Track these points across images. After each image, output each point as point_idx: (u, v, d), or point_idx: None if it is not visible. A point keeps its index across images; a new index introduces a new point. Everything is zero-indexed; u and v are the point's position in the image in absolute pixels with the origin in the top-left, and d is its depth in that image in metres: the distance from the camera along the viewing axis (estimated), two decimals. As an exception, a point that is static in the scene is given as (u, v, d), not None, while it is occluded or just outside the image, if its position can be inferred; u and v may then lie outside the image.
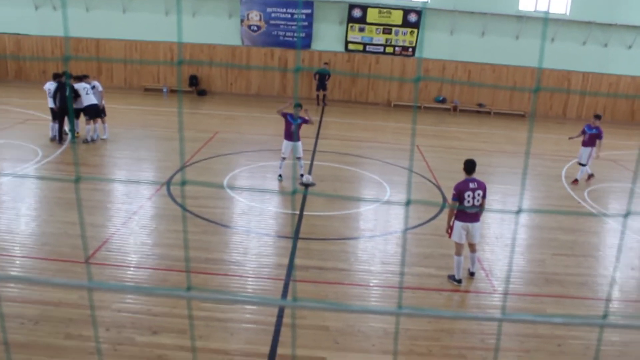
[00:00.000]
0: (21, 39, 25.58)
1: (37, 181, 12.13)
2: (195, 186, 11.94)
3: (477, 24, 25.01)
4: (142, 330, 6.72)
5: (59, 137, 14.91)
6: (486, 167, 13.70)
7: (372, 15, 25.22)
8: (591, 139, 14.17)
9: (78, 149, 14.79)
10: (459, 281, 8.39)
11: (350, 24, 25.38)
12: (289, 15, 25.38)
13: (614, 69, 25.46)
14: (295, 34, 25.50)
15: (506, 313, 7.60)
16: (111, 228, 9.71)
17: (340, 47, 25.82)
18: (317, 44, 25.73)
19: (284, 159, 12.83)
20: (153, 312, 7.12)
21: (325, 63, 25.02)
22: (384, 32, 25.49)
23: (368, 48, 25.78)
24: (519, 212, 2.18)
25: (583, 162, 14.22)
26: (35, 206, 10.68)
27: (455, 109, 26.08)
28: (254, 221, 10.60)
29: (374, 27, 25.42)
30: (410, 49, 25.67)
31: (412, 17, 25.17)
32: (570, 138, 15.10)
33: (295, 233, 10.07)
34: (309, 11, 25.08)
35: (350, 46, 25.77)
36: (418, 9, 25.01)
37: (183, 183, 2.87)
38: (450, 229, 8.40)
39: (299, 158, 12.80)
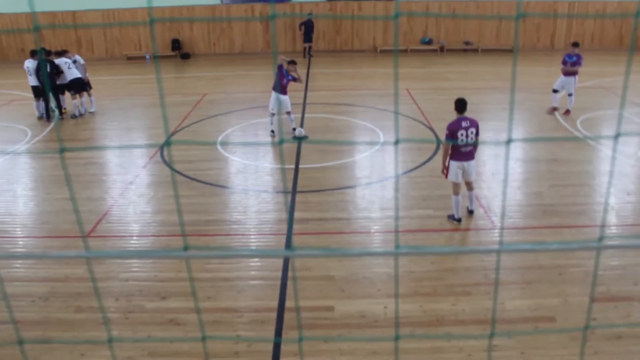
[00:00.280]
0: (-5, 18, 25.05)
1: (31, 161, 12.08)
2: (189, 150, 11.92)
3: (457, -40, 24.53)
4: (151, 297, 6.82)
5: (47, 115, 14.77)
6: (477, 105, 13.65)
7: (350, -40, 24.69)
8: (573, 67, 14.06)
9: (67, 124, 14.66)
10: (459, 220, 8.48)
11: (329, -28, 24.87)
12: (266, -32, 24.83)
13: (599, -6, 25.13)
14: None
15: (504, 244, 7.71)
16: (109, 200, 9.73)
17: (321, -3, 25.36)
18: (298, -5, 25.26)
19: (273, 114, 12.77)
20: (160, 278, 7.22)
21: (309, 13, 24.59)
22: (364, -23, 24.99)
23: (349, -5, 25.33)
24: (509, 142, 2.18)
25: (572, 92, 14.16)
26: (31, 186, 10.66)
27: (442, 49, 25.81)
28: (250, 179, 10.63)
29: (353, -27, 24.92)
30: (392, -8, 25.22)
31: (391, -41, 24.64)
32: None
33: (292, 187, 10.11)
34: (285, -38, 24.52)
35: (331, -6, 25.31)
36: (396, -51, 24.44)
37: (169, 143, 2.86)
38: (446, 169, 8.44)
39: (288, 113, 12.76)
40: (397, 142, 2.32)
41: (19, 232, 8.77)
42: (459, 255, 7.64)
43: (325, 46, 26.16)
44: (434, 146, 11.96)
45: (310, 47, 24.73)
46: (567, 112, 14.22)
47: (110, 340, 5.84)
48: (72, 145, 12.94)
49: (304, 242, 8.11)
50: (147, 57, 25.54)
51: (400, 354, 5.62)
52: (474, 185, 8.66)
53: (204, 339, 5.31)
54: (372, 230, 8.55)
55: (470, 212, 8.71)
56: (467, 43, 25.96)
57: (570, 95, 14.19)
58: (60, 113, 14.99)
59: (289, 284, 6.98)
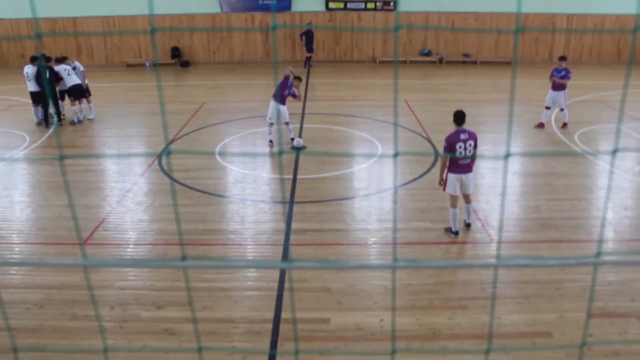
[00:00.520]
0: (-4, 23, 25.10)
1: (29, 167, 12.06)
2: (187, 159, 11.92)
3: (457, -27, 24.68)
4: (146, 306, 6.80)
5: (46, 122, 14.77)
6: (475, 117, 13.69)
7: (351, -29, 24.83)
8: (562, 80, 14.07)
9: (66, 131, 14.66)
10: (456, 233, 8.47)
11: (329, -18, 25.00)
12: (267, -22, 24.94)
13: (598, 8, 25.25)
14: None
15: (501, 258, 7.71)
16: (107, 207, 9.71)
17: (321, 7, 25.46)
18: (297, 5, 25.35)
19: (271, 124, 12.79)
20: (156, 287, 7.19)
21: (309, 23, 24.68)
22: (364, -12, 25.13)
23: (349, 5, 25.45)
24: (507, 156, 2.19)
25: (563, 107, 14.18)
26: (28, 192, 10.64)
27: (441, 61, 25.91)
28: (248, 189, 10.62)
29: (353, -16, 25.06)
30: (392, 3, 25.34)
31: (392, -29, 24.79)
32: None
33: (290, 197, 10.11)
34: (286, -28, 24.65)
35: (331, 5, 25.42)
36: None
37: (168, 152, 2.86)
38: (443, 181, 8.44)
39: (286, 123, 12.78)
40: (396, 155, 2.32)
41: (15, 239, 8.74)
42: (456, 269, 7.63)
43: (325, 56, 26.24)
44: (432, 158, 11.98)
45: (310, 58, 24.81)
46: (564, 125, 14.25)
47: (105, 350, 5.82)
48: (70, 151, 12.93)
49: (301, 253, 8.10)
50: (147, 64, 25.58)
51: (396, 368, 5.60)
52: (471, 198, 8.67)
53: (200, 349, 5.29)
54: (370, 242, 8.54)
55: (468, 225, 8.71)
56: (466, 55, 26.07)
57: (562, 110, 14.22)
58: (59, 119, 14.99)
59: (286, 295, 6.96)
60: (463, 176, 8.27)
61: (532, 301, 6.87)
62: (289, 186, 10.66)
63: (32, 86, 14.73)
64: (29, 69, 14.77)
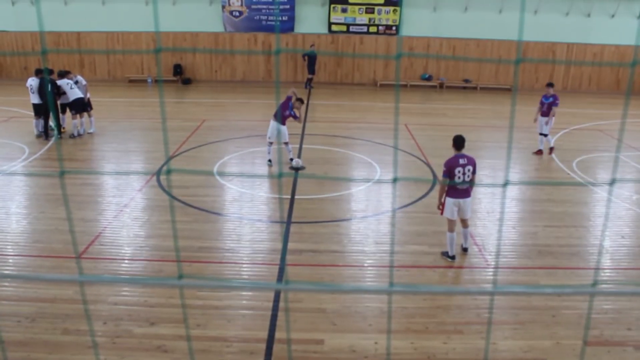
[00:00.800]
0: (0, 36, 25.23)
1: (26, 179, 12.04)
2: (186, 176, 11.91)
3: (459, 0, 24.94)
4: (139, 322, 6.74)
5: (45, 134, 14.80)
6: (475, 143, 13.74)
7: (354, -5, 25.10)
8: (549, 108, 14.16)
9: (65, 144, 14.67)
10: (453, 257, 8.44)
11: (332, 5, 25.23)
12: (271, -1, 25.19)
13: (597, 38, 25.50)
14: (278, 18, 25.31)
15: (498, 286, 7.68)
16: (103, 222, 9.68)
17: (323, 29, 25.68)
18: (300, 27, 25.57)
19: (270, 143, 12.82)
20: (149, 303, 7.14)
21: (312, 45, 24.86)
22: (366, 12, 25.37)
23: (351, 28, 25.66)
24: (505, 184, 2.19)
25: (544, 132, 14.23)
26: (25, 204, 10.61)
27: (441, 85, 26.08)
28: (245, 207, 10.60)
29: (356, 7, 25.30)
30: (394, 28, 25.57)
31: (395, -4, 25.05)
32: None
33: (287, 217, 10.08)
34: (290, -6, 24.89)
35: (334, 27, 25.64)
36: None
37: (168, 172, 2.86)
38: (441, 205, 8.44)
39: (286, 143, 12.80)
40: (395, 180, 2.32)
41: (10, 251, 8.69)
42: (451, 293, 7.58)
43: (326, 78, 26.40)
44: (430, 182, 11.98)
45: (311, 79, 24.94)
46: (539, 152, 14.33)
47: (95, 366, 5.75)
48: (69, 164, 12.92)
49: (297, 273, 8.05)
50: (149, 80, 25.70)
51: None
52: (469, 222, 8.66)
53: (191, 368, 5.23)
54: (366, 264, 8.50)
55: (465, 250, 8.69)
56: (466, 81, 26.25)
57: (545, 135, 14.24)
58: (59, 132, 15.02)
59: (280, 315, 6.91)
60: (461, 201, 8.28)
61: (528, 327, 6.82)
62: (286, 206, 10.65)
63: (35, 98, 14.79)
64: (33, 82, 14.83)
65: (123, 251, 8.72)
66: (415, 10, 25.11)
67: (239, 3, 25.10)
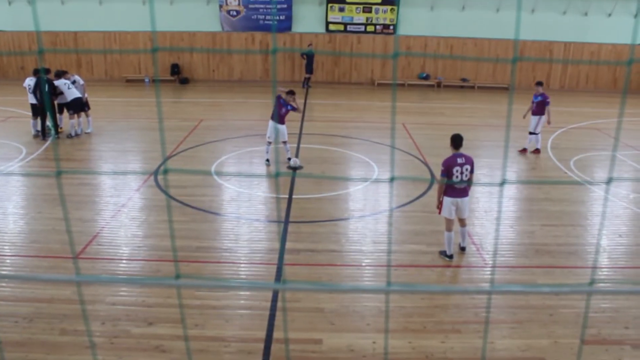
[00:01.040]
0: (-3, 35, 25.20)
1: (24, 179, 12.02)
2: (183, 175, 11.90)
3: (457, -1, 24.96)
4: (137, 322, 6.73)
5: (43, 134, 14.78)
6: (472, 142, 13.75)
7: (351, -6, 25.09)
8: (539, 107, 14.23)
9: (63, 144, 14.65)
10: (450, 256, 8.45)
11: (330, 4, 25.21)
12: (268, -1, 25.17)
13: (594, 37, 25.52)
14: (275, 18, 25.29)
15: (495, 285, 7.69)
16: (101, 222, 9.67)
17: (321, 29, 25.66)
18: (298, 26, 25.55)
19: (269, 143, 12.82)
20: (147, 303, 7.13)
21: (309, 44, 24.84)
22: (364, 11, 25.36)
23: (349, 28, 25.64)
24: (502, 183, 2.19)
25: (533, 130, 14.27)
26: (22, 204, 10.59)
27: (439, 85, 26.09)
28: (243, 207, 10.59)
29: (354, 7, 25.28)
30: (391, 27, 25.56)
31: (392, -5, 25.05)
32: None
33: (285, 217, 10.08)
34: (287, -7, 24.87)
35: (331, 27, 25.62)
36: (397, -14, 24.88)
37: (166, 171, 2.86)
38: (439, 205, 8.44)
39: (284, 142, 12.81)
40: (392, 179, 2.32)
41: (7, 251, 8.67)
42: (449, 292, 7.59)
43: (324, 77, 26.39)
44: (427, 181, 11.99)
45: (309, 79, 24.93)
46: (524, 150, 14.38)
47: (93, 366, 5.74)
48: (66, 164, 12.90)
49: (295, 272, 8.05)
50: (146, 80, 25.67)
51: (388, 391, 5.54)
52: (466, 222, 8.66)
53: (189, 368, 5.23)
54: (364, 264, 8.50)
55: (462, 249, 8.70)
56: (464, 80, 26.26)
57: (533, 134, 14.27)
58: (57, 132, 14.99)
59: (278, 314, 6.91)
60: (459, 200, 8.28)
61: (525, 326, 6.83)
62: (284, 205, 10.65)
63: (33, 98, 14.75)
64: (31, 81, 14.81)
65: (121, 251, 8.71)
66: (413, 10, 25.10)
67: (237, 2, 25.07)
